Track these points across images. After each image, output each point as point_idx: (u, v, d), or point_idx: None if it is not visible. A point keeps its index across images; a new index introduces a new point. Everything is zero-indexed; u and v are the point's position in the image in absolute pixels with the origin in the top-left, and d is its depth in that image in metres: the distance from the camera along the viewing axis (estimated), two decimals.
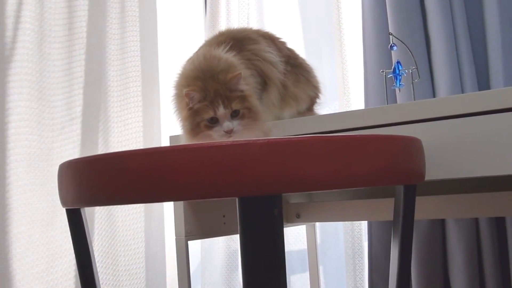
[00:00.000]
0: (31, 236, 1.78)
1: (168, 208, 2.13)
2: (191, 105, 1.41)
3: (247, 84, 1.45)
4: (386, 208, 1.94)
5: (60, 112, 1.92)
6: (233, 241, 2.30)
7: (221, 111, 1.38)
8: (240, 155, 0.83)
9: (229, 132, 1.38)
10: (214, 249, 2.30)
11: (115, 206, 1.99)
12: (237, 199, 1.02)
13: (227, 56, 1.48)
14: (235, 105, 1.40)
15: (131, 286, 1.99)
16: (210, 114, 1.39)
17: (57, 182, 1.05)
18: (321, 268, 2.29)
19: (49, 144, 1.87)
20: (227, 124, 1.38)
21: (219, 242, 2.29)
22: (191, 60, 1.53)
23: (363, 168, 0.88)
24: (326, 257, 2.39)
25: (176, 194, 0.85)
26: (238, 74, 1.40)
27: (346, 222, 2.20)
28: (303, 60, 1.73)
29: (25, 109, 1.82)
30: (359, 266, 2.22)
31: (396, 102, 2.04)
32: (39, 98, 1.86)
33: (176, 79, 1.51)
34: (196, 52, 1.59)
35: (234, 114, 1.40)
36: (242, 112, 1.40)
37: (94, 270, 1.07)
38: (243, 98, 1.41)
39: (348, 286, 2.24)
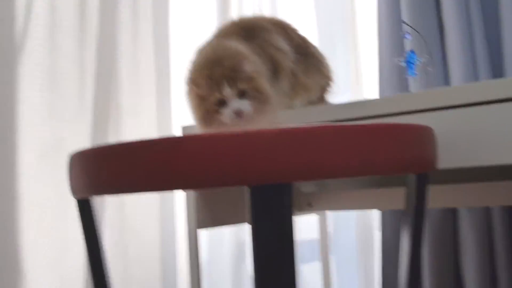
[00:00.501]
0: (41, 227, 1.78)
1: (179, 198, 2.13)
2: (199, 93, 1.40)
3: (257, 72, 1.43)
4: (398, 197, 1.94)
5: (71, 102, 1.91)
6: (242, 232, 2.29)
7: (226, 90, 1.36)
8: (251, 144, 0.82)
9: (238, 114, 1.35)
10: (222, 240, 2.29)
11: (126, 198, 1.98)
12: (248, 187, 1.02)
13: (236, 44, 1.47)
14: (241, 84, 1.36)
15: (142, 276, 1.99)
16: (216, 96, 1.36)
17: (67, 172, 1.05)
18: (332, 258, 2.29)
19: (60, 134, 1.87)
20: (235, 103, 1.36)
21: (227, 233, 2.28)
22: (200, 52, 1.52)
23: (374, 156, 0.88)
24: (338, 247, 2.38)
25: (187, 183, 0.84)
26: (242, 57, 1.39)
27: (358, 212, 2.20)
28: (316, 48, 1.70)
29: (36, 99, 1.82)
30: (371, 255, 2.22)
31: (409, 91, 2.03)
32: (50, 88, 1.86)
33: (187, 74, 1.50)
34: (207, 42, 1.58)
35: (242, 95, 1.38)
36: (250, 93, 1.38)
37: (104, 261, 1.07)
38: (250, 78, 1.38)
39: (359, 275, 2.24)
